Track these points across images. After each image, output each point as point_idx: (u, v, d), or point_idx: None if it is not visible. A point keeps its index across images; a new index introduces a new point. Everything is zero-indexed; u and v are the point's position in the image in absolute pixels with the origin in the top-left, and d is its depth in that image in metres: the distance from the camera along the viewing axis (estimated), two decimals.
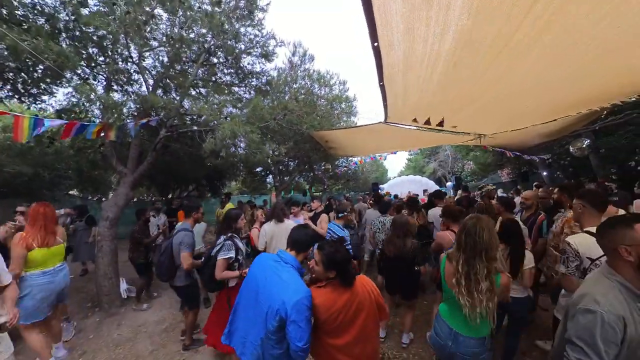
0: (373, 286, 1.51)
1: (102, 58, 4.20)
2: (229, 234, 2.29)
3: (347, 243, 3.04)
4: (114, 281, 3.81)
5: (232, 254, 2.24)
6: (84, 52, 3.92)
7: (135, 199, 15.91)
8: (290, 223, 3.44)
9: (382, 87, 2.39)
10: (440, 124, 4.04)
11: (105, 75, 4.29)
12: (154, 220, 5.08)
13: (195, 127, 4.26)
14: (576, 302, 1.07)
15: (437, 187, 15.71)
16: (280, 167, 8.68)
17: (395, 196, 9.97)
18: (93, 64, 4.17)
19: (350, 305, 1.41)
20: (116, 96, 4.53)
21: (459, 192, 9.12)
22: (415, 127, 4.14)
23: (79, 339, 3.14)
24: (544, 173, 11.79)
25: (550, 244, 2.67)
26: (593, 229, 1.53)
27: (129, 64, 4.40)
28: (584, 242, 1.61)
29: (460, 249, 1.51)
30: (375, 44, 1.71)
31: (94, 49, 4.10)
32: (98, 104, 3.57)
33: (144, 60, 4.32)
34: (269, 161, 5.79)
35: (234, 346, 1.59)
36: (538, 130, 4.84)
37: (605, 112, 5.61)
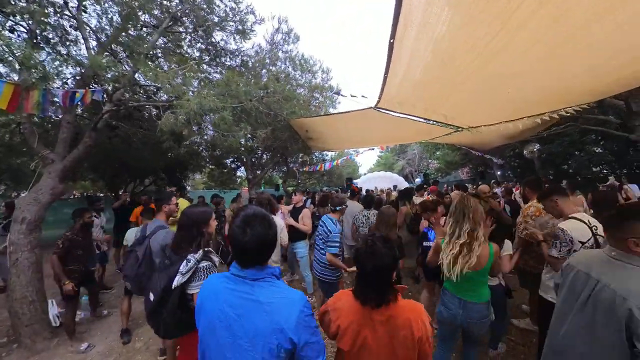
0: (424, 323, 1.08)
1: (23, 2, 3.20)
2: (205, 250, 1.54)
3: (338, 241, 2.73)
4: (38, 305, 2.82)
5: None
6: None
7: (77, 195, 13.39)
8: (277, 220, 2.95)
9: (391, 46, 2.08)
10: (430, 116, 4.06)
11: (27, 27, 3.29)
12: (97, 221, 4.14)
13: (151, 103, 3.49)
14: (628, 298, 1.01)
15: (406, 183, 16.56)
16: (253, 159, 8.03)
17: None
18: (7, 11, 3.15)
19: (379, 326, 1.06)
20: (43, 56, 3.51)
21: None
22: (404, 116, 4.01)
23: None
24: (498, 172, 13.22)
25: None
26: (576, 214, 1.86)
27: (63, 16, 3.45)
28: (575, 228, 1.79)
29: (451, 215, 1.77)
30: None
31: None
32: (11, 58, 2.65)
33: (84, 12, 3.40)
34: (242, 149, 5.19)
35: None
36: (501, 132, 5.18)
37: (559, 119, 6.28)
